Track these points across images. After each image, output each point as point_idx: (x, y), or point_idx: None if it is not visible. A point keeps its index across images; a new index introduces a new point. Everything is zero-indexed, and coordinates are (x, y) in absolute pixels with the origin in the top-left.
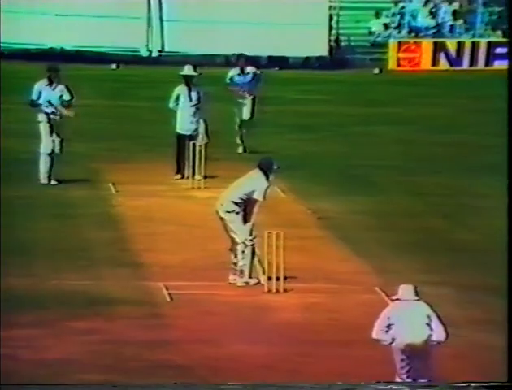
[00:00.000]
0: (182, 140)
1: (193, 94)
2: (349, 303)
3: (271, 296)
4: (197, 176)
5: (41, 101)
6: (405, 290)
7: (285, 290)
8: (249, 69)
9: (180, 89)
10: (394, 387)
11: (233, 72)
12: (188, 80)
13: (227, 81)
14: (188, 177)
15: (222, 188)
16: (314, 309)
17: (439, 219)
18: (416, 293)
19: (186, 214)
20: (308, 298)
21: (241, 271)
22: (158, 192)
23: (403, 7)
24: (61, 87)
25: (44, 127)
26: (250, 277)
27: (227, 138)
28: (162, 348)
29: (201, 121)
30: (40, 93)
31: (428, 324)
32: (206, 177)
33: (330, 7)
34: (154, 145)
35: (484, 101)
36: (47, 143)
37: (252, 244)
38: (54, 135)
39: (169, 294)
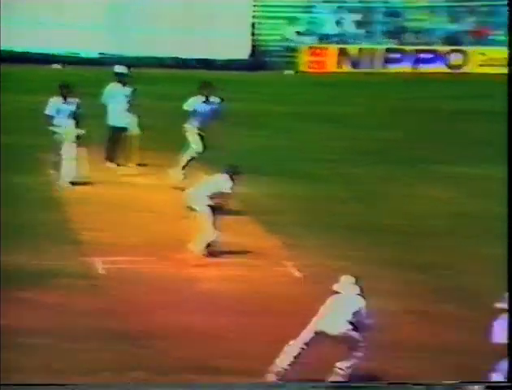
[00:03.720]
0: (116, 132)
1: (126, 90)
2: (265, 275)
3: (197, 269)
4: (130, 164)
5: (56, 117)
6: (343, 282)
7: (210, 264)
8: (213, 98)
9: (114, 86)
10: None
11: (196, 100)
12: (121, 78)
13: (188, 109)
14: (121, 165)
15: (152, 174)
16: (235, 280)
17: (363, 205)
18: (355, 284)
19: (120, 197)
20: (229, 270)
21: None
22: (95, 179)
23: (313, 17)
24: (73, 105)
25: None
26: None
27: (157, 130)
28: (99, 315)
29: (133, 115)
30: (57, 109)
31: (351, 322)
32: (138, 165)
33: (251, 16)
34: (90, 137)
35: (382, 99)
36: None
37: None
38: None
39: (104, 268)
